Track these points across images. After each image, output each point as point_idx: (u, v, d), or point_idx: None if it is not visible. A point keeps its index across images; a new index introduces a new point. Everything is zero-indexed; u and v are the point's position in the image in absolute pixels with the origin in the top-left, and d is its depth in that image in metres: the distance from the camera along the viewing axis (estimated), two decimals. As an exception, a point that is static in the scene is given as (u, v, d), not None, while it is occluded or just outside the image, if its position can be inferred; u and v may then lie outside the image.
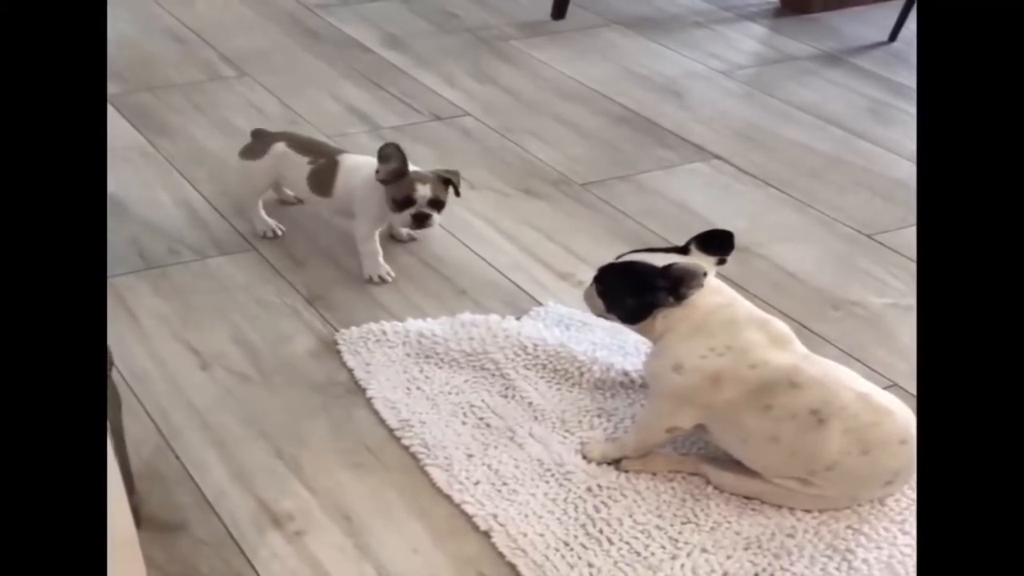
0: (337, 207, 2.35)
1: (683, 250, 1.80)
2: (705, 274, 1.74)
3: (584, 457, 1.84)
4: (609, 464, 1.82)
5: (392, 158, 2.21)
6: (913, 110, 3.16)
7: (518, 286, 2.29)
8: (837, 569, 1.65)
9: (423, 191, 2.21)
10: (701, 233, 1.81)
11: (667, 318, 1.75)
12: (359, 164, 2.33)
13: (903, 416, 1.71)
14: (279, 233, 2.41)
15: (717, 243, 1.80)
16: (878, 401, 1.71)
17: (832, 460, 1.69)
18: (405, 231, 2.39)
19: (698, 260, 1.77)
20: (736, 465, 1.77)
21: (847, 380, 1.73)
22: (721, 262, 1.80)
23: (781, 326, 1.76)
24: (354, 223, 2.31)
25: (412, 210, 2.22)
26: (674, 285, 1.73)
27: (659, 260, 1.75)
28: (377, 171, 2.23)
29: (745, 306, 1.77)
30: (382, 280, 2.27)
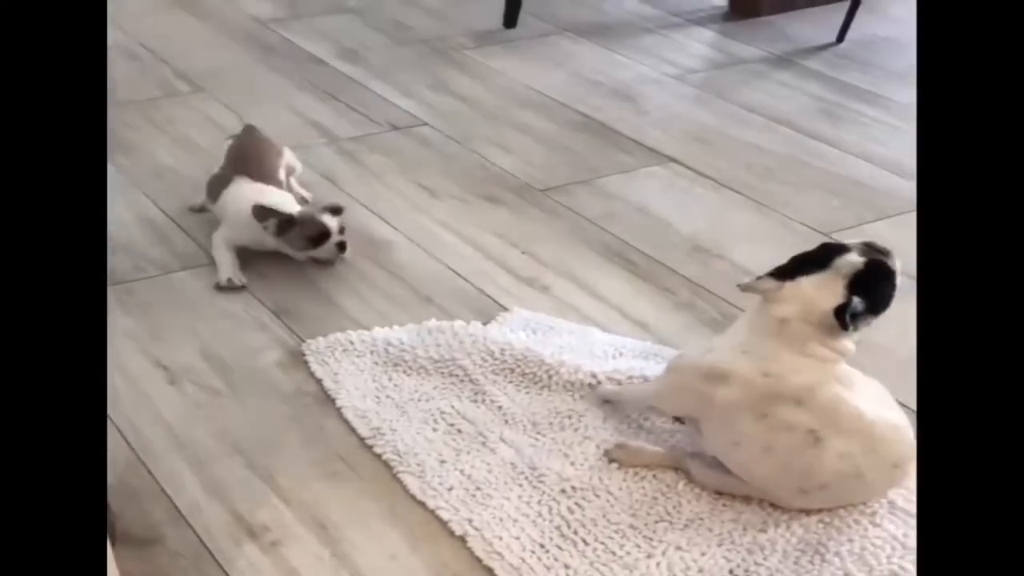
0: (214, 214, 2.48)
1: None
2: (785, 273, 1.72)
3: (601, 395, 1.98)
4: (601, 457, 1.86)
5: (267, 215, 2.31)
6: (864, 109, 3.21)
7: (483, 292, 2.30)
8: (810, 562, 1.67)
9: (331, 221, 2.32)
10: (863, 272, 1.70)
11: (754, 307, 1.76)
12: (246, 192, 2.40)
13: (899, 443, 1.72)
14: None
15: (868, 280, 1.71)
16: (879, 431, 1.70)
17: (825, 480, 1.70)
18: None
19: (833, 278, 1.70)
20: (722, 463, 1.78)
21: (859, 408, 1.70)
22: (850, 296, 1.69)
23: (842, 367, 1.73)
24: (218, 230, 2.40)
25: (333, 239, 2.32)
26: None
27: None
28: (265, 227, 2.32)
29: (807, 335, 1.70)
30: (231, 285, 2.29)
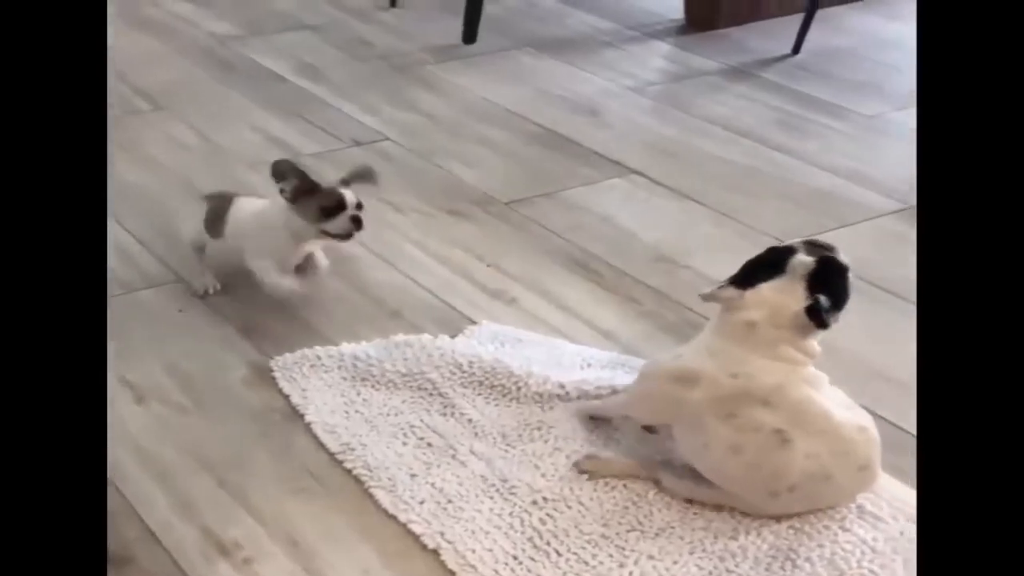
0: (230, 249, 2.30)
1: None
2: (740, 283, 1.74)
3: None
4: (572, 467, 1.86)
5: (288, 173, 2.17)
6: (821, 119, 3.25)
7: (450, 306, 2.31)
8: (781, 568, 1.68)
9: (349, 196, 2.17)
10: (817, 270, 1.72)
11: (721, 312, 1.76)
12: (248, 204, 2.30)
13: (866, 444, 1.74)
14: (211, 291, 2.33)
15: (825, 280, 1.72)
16: (846, 432, 1.72)
17: (794, 482, 1.72)
18: (321, 261, 2.32)
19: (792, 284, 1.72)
20: (692, 471, 1.79)
21: (827, 409, 1.72)
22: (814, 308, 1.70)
23: (811, 370, 1.75)
24: (248, 262, 2.25)
25: (348, 212, 2.16)
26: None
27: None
28: (281, 190, 2.17)
29: (774, 338, 1.72)
30: (293, 294, 2.22)
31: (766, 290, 1.71)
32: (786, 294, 1.71)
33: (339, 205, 2.17)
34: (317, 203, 2.17)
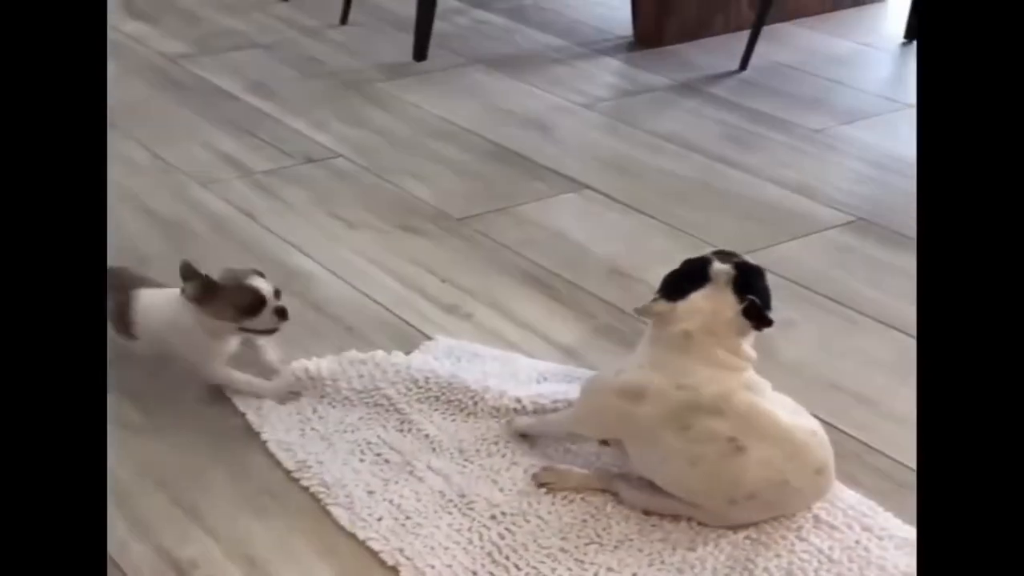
0: (152, 350, 2.09)
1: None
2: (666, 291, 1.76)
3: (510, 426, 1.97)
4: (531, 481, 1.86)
5: (192, 273, 1.97)
6: (770, 134, 3.28)
7: (405, 321, 2.31)
8: (739, 578, 1.70)
9: (263, 285, 2.00)
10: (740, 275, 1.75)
11: (655, 325, 1.78)
12: (157, 301, 2.06)
13: (819, 447, 1.76)
14: None
15: (749, 287, 1.75)
16: (797, 436, 1.74)
17: (752, 489, 1.73)
18: (270, 355, 2.12)
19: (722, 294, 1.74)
20: (650, 482, 1.80)
21: (775, 414, 1.74)
22: (749, 312, 1.73)
23: (753, 377, 1.77)
24: (179, 359, 2.07)
25: (272, 306, 1.99)
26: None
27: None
28: (183, 290, 1.98)
29: (711, 345, 1.74)
30: (294, 395, 2.05)
31: (696, 299, 1.74)
32: (716, 301, 1.74)
33: (257, 301, 1.99)
34: (231, 301, 1.99)
